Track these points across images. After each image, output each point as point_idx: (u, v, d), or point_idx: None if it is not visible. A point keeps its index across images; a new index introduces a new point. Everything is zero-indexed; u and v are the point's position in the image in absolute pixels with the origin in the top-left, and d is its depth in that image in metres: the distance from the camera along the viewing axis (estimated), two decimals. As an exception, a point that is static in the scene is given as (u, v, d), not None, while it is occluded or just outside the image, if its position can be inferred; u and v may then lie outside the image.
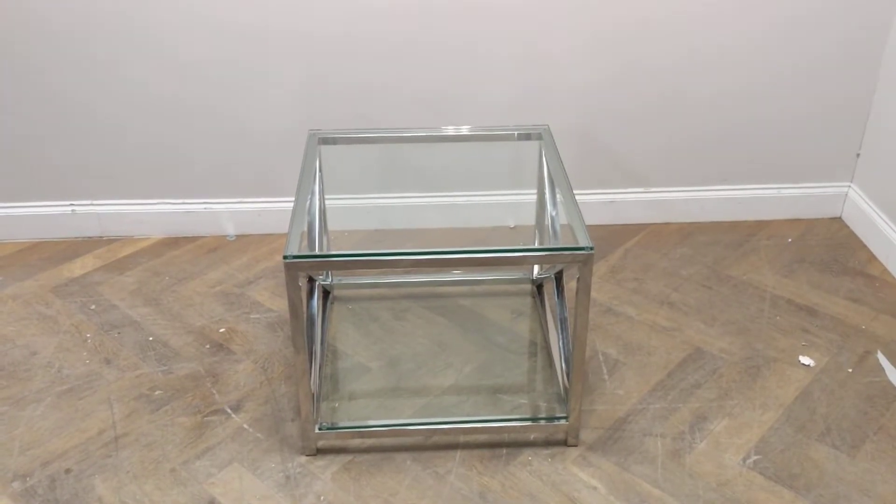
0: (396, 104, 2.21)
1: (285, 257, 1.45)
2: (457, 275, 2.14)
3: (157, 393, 1.82)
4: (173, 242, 2.37)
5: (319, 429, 1.64)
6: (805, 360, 1.89)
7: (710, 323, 2.02)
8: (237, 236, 2.40)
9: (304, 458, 1.65)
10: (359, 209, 2.37)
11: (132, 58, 2.12)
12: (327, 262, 1.57)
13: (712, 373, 1.87)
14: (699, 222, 2.45)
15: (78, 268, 2.25)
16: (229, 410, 1.77)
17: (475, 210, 2.39)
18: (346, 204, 2.35)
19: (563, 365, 1.70)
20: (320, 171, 1.86)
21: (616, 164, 2.35)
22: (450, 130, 1.91)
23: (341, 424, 1.67)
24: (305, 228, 1.72)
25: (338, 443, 1.66)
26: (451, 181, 2.36)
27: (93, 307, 2.09)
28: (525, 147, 2.14)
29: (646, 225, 2.44)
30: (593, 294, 2.12)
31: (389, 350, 1.92)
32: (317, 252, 1.78)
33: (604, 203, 2.41)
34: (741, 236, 2.39)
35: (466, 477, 1.59)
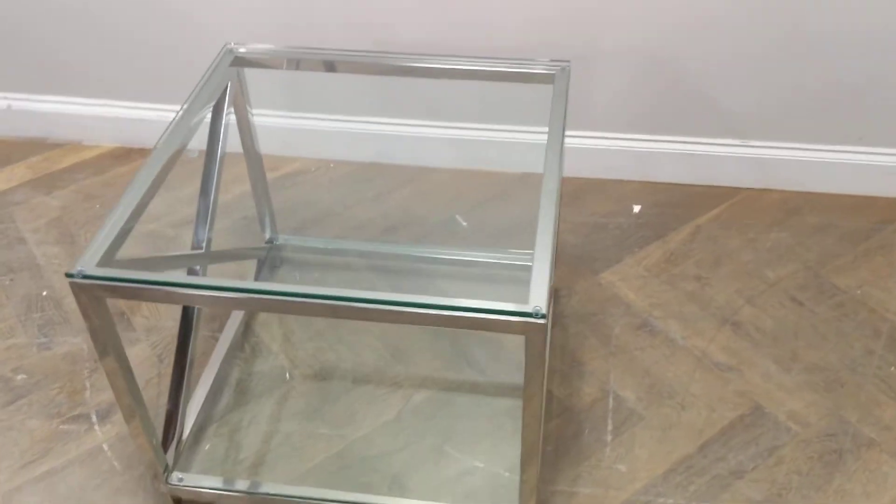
0: (400, 9, 1.61)
1: (69, 275, 0.95)
2: (444, 250, 1.58)
3: (19, 377, 1.41)
4: (124, 154, 1.91)
5: (169, 482, 1.19)
6: (919, 451, 1.27)
7: (787, 365, 1.40)
8: (200, 152, 1.91)
9: (159, 510, 1.22)
10: (355, 135, 1.82)
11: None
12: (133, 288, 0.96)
13: (769, 453, 1.27)
14: (812, 193, 1.76)
15: (2, 180, 1.84)
16: (94, 419, 1.34)
17: (488, 148, 1.79)
18: (341, 128, 1.81)
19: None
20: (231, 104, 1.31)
21: (704, 103, 1.67)
22: (449, 63, 1.29)
23: (198, 483, 1.20)
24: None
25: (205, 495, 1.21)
26: (461, 112, 1.76)
27: (-4, 238, 1.69)
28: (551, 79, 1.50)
29: (736, 190, 1.77)
30: (627, 295, 1.52)
31: (324, 353, 1.42)
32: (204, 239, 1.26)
33: (680, 155, 1.75)
34: (869, 223, 1.68)
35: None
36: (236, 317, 1.47)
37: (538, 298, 0.89)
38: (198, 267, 1.25)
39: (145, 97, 1.86)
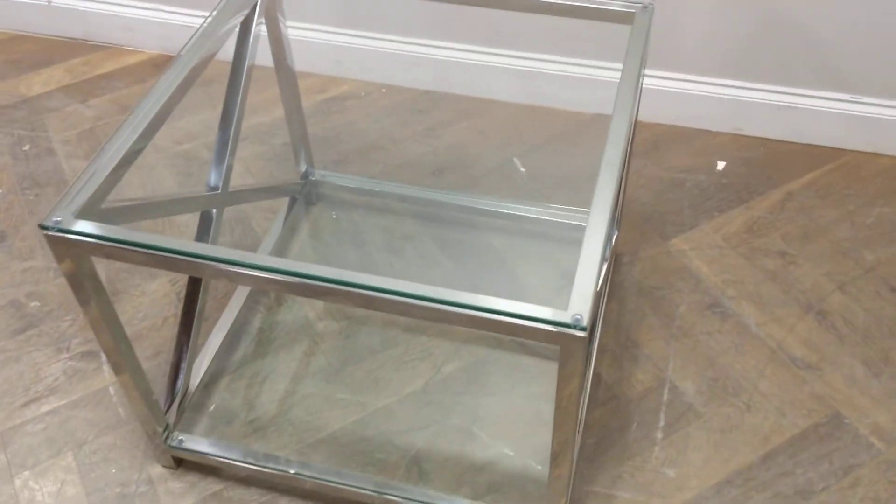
0: None
1: (43, 227, 0.83)
2: (495, 201, 1.42)
3: (32, 304, 1.33)
4: (166, 63, 1.78)
5: (170, 444, 1.09)
6: None
7: (877, 368, 1.21)
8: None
9: (159, 469, 1.13)
10: (412, 59, 1.65)
11: None
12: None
13: (844, 473, 1.10)
14: (931, 163, 1.52)
15: (40, 83, 1.74)
16: (104, 358, 1.26)
17: (558, 83, 1.60)
18: (398, 49, 1.63)
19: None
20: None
21: (810, 48, 1.44)
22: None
23: (199, 448, 1.10)
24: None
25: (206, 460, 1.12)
26: (530, 41, 1.56)
27: (26, 147, 1.59)
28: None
29: (839, 153, 1.55)
30: (698, 268, 1.34)
31: (353, 308, 1.29)
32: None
33: (776, 107, 1.53)
34: None
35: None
36: (263, 257, 1.35)
37: (580, 304, 0.73)
38: (213, 210, 1.12)
39: (192, 3, 1.71)
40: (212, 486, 1.11)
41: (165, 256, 0.81)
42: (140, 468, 1.12)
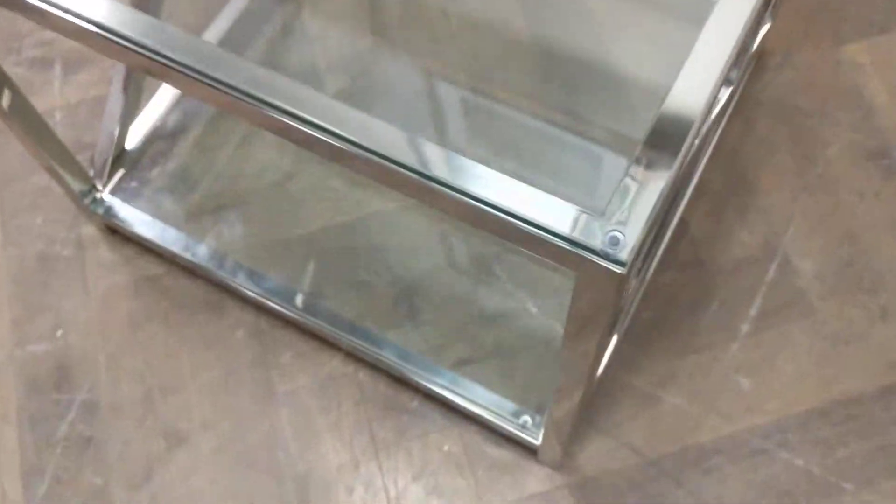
0: None
1: None
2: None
3: None
4: None
5: (94, 209, 0.84)
6: None
7: None
8: None
9: (92, 231, 0.88)
10: None
11: None
12: None
13: None
14: None
15: None
16: (58, 70, 0.98)
17: None
18: None
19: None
20: None
21: None
22: None
23: (132, 223, 0.84)
24: None
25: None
26: None
27: None
28: None
29: None
30: (874, 94, 0.92)
31: (377, 64, 0.95)
32: None
33: None
34: None
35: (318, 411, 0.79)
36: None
37: (630, 226, 0.39)
38: None
39: None
40: (150, 267, 0.87)
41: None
42: (70, 226, 0.89)
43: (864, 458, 0.77)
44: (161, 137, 0.91)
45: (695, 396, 0.80)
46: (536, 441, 0.74)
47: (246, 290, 0.81)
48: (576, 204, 0.40)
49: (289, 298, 0.81)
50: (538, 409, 0.76)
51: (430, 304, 0.83)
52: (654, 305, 0.84)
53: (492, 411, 0.75)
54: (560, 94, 0.92)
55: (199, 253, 0.82)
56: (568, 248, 0.39)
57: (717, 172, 0.90)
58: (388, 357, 0.78)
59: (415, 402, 0.80)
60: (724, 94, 0.84)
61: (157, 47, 0.47)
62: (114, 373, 0.82)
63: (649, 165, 0.41)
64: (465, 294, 0.84)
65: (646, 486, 0.76)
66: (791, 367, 0.81)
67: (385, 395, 0.80)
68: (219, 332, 0.83)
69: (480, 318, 0.83)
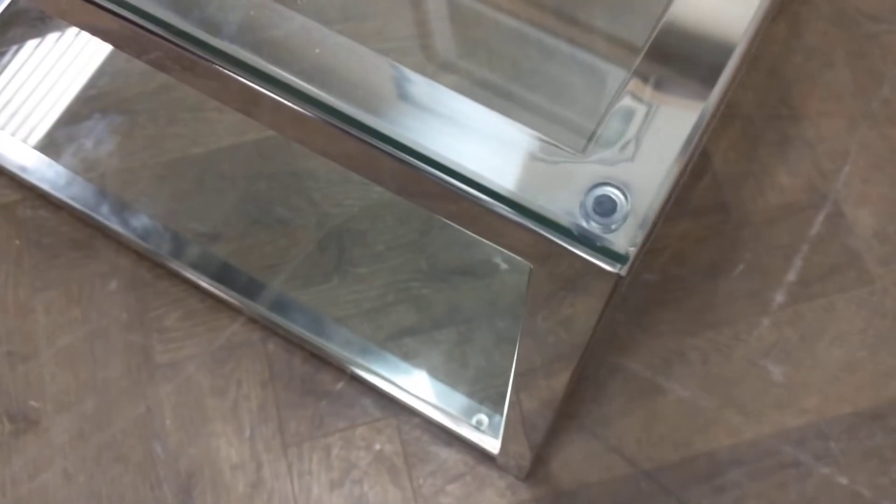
0: None
1: None
2: None
3: None
4: None
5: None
6: None
7: None
8: None
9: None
10: None
11: None
12: None
13: None
14: None
15: None
16: None
17: None
18: None
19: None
20: None
21: None
22: None
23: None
24: None
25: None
26: None
27: None
28: None
29: None
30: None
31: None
32: None
33: None
34: None
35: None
36: None
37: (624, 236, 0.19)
38: None
39: None
40: (2, 193, 0.66)
41: None
42: None
43: (928, 478, 0.58)
44: (17, 24, 0.70)
45: (708, 387, 0.60)
46: (495, 447, 0.55)
47: (120, 229, 0.61)
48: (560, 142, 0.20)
49: (177, 241, 0.60)
50: (498, 403, 0.57)
51: (366, 251, 0.63)
52: (659, 265, 0.63)
53: (437, 407, 0.56)
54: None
55: (53, 177, 0.62)
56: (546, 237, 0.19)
57: (751, 91, 0.69)
58: (305, 329, 0.58)
59: (340, 384, 0.61)
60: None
61: None
62: (-53, 330, 0.62)
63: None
64: (413, 239, 0.63)
65: (638, 506, 0.58)
66: (838, 353, 0.61)
67: (301, 373, 0.61)
68: (86, 282, 0.63)
69: (431, 273, 0.63)
